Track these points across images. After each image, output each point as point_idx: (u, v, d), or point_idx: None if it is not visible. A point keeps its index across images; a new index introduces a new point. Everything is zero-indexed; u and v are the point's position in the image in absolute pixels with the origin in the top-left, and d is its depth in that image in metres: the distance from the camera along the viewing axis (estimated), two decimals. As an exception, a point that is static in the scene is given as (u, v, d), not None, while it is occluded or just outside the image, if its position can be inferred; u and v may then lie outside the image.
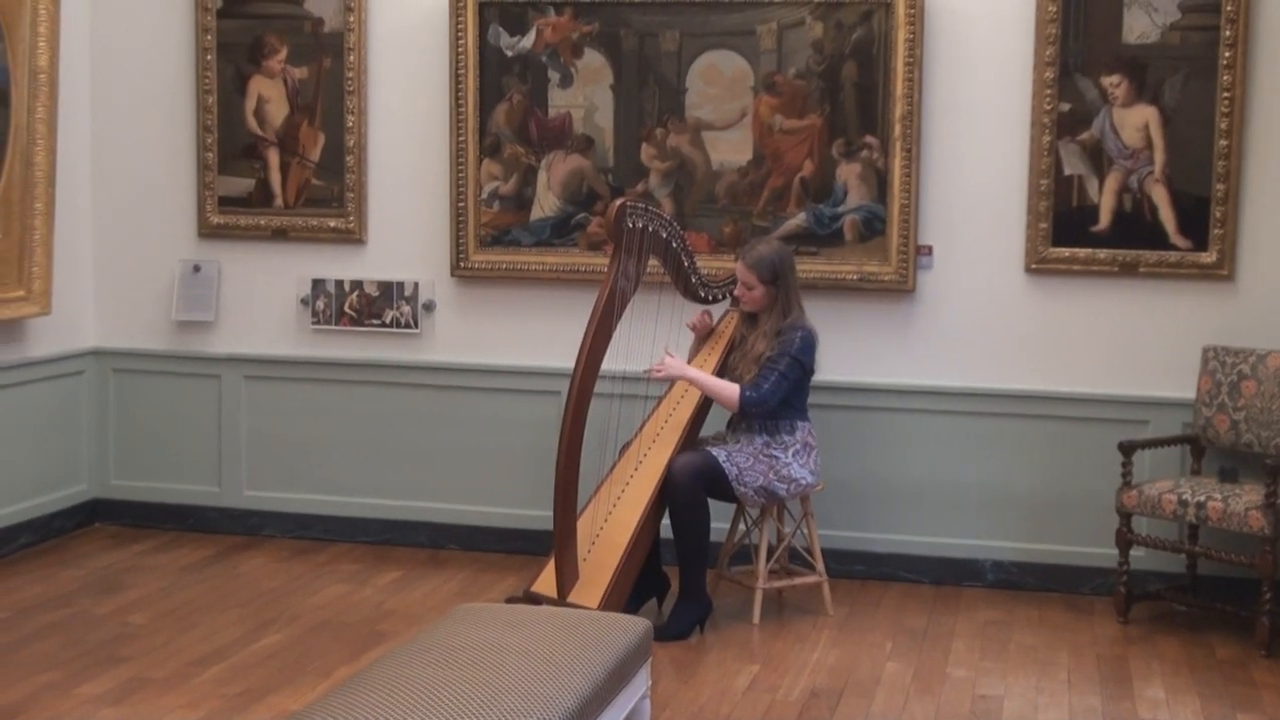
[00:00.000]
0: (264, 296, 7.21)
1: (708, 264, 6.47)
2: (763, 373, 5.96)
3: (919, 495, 6.66)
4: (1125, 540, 6.15)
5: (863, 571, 6.70)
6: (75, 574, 6.60)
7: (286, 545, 7.12)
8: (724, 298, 6.32)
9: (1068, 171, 6.41)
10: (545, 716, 3.48)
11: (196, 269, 7.24)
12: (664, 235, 5.98)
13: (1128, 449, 6.14)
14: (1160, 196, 6.33)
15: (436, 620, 4.22)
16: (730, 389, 5.97)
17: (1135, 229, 6.37)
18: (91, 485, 7.39)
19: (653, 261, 6.01)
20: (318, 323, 7.14)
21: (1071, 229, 6.44)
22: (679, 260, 6.09)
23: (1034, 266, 6.48)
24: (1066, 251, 6.45)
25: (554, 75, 6.82)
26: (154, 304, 7.32)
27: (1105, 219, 6.41)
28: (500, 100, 6.86)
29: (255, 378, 7.24)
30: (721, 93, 6.68)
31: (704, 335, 6.37)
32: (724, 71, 6.66)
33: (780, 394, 5.95)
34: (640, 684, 4.19)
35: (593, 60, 6.77)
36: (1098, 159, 6.38)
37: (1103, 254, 6.42)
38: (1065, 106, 6.38)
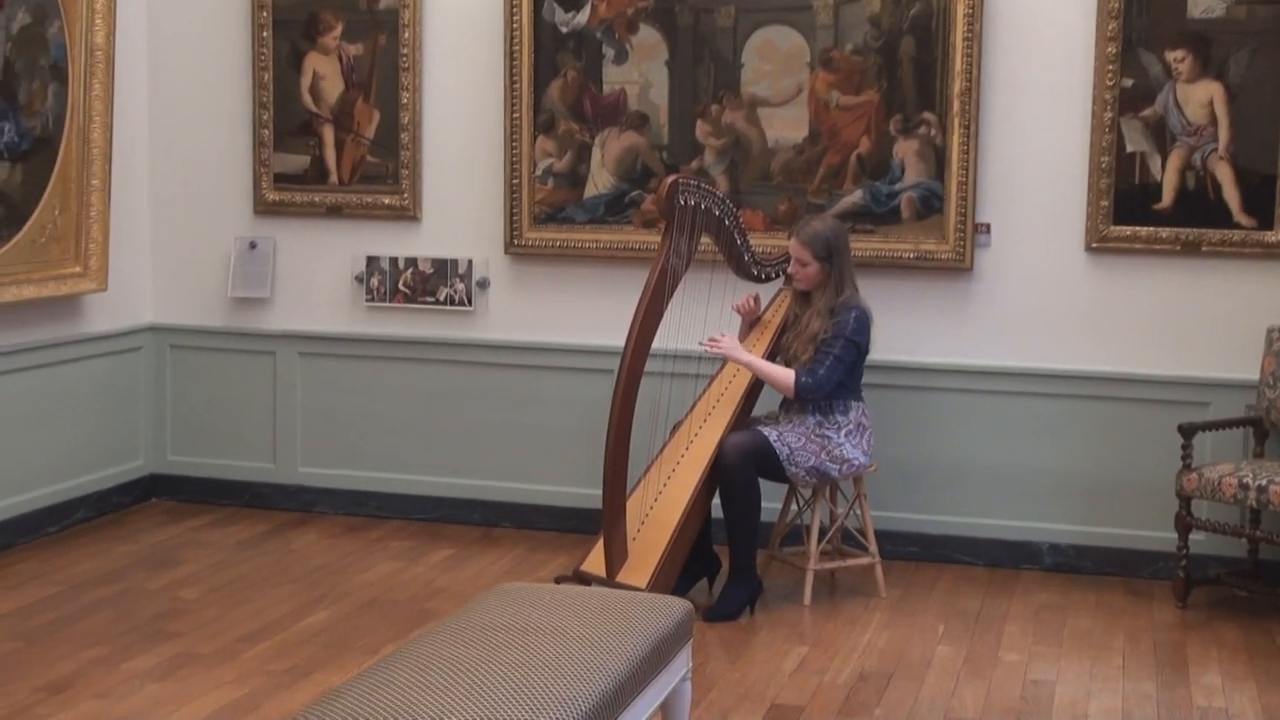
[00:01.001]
0: (319, 273, 7.22)
1: (762, 242, 6.40)
2: (817, 357, 5.89)
3: (975, 476, 6.57)
4: (1185, 524, 6.05)
5: (917, 553, 6.62)
6: (130, 549, 6.64)
7: (339, 522, 7.13)
8: (777, 276, 6.25)
9: (1130, 148, 6.29)
10: (579, 697, 3.44)
11: (252, 246, 7.25)
12: (717, 212, 5.93)
13: (1188, 431, 6.04)
14: (1224, 174, 6.20)
15: (474, 600, 4.19)
16: (786, 375, 5.91)
17: (1198, 207, 6.25)
18: (149, 461, 7.43)
19: (705, 239, 5.96)
20: (372, 300, 7.14)
21: (1133, 207, 6.32)
22: (732, 238, 6.03)
23: (1094, 245, 6.37)
24: (1128, 230, 6.33)
25: (609, 51, 6.77)
26: (210, 281, 7.34)
27: (1168, 197, 6.29)
28: (555, 77, 6.82)
29: (310, 355, 7.25)
30: (777, 69, 6.61)
31: (751, 320, 6.29)
32: (780, 47, 6.58)
33: (836, 378, 5.89)
34: (680, 666, 4.14)
35: (648, 36, 6.71)
36: (1160, 136, 6.26)
37: (1165, 232, 6.30)
38: (1128, 82, 6.26)
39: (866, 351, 6.01)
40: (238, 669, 5.18)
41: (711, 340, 5.90)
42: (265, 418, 7.32)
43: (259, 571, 6.34)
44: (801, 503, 6.25)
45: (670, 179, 5.78)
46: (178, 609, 5.82)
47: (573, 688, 3.47)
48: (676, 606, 4.17)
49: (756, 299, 6.31)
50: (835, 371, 5.86)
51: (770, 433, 5.88)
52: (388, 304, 7.12)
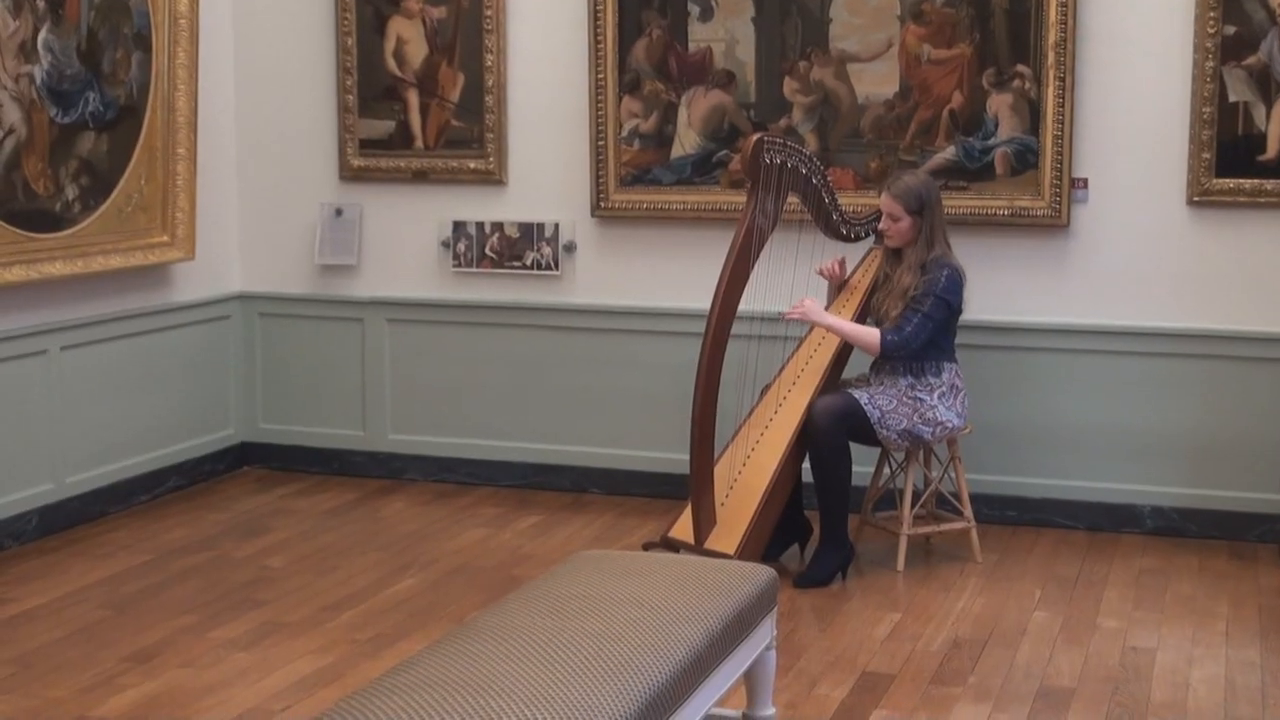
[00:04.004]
0: (405, 239, 7.17)
1: (852, 201, 6.26)
2: (905, 314, 5.76)
3: (1074, 438, 6.41)
4: (1292, 485, 5.88)
5: (1014, 517, 6.48)
6: (220, 517, 6.65)
7: (429, 489, 7.10)
8: (867, 235, 6.12)
9: (1232, 98, 6.08)
10: (655, 667, 3.36)
11: (339, 212, 7.22)
12: (804, 171, 5.80)
13: (1295, 390, 5.86)
14: (1332, 123, 6.00)
15: (552, 569, 4.12)
16: (870, 334, 5.78)
17: (1305, 158, 6.05)
18: (239, 429, 7.44)
19: (792, 198, 5.84)
20: (459, 265, 7.09)
21: (1237, 159, 6.11)
22: (819, 197, 5.90)
23: (1196, 199, 6.18)
24: (1231, 182, 6.13)
25: (694, 9, 6.65)
26: (297, 248, 7.32)
27: (1273, 148, 6.07)
28: (639, 36, 6.71)
29: (397, 321, 7.21)
30: (866, 23, 6.45)
31: (837, 284, 6.16)
32: (869, 1, 6.43)
33: (924, 336, 5.75)
34: (764, 635, 4.05)
35: (733, -8, 6.60)
36: (1265, 85, 6.05)
37: (1270, 184, 6.09)
38: (1230, 30, 6.05)
39: (959, 311, 5.87)
40: (323, 638, 5.15)
41: (792, 309, 5.78)
42: (354, 385, 7.30)
43: (346, 539, 6.32)
44: (894, 466, 6.13)
45: (754, 137, 5.67)
46: (265, 577, 5.81)
47: (649, 658, 3.39)
48: (760, 574, 4.07)
49: (842, 263, 6.17)
50: (923, 329, 5.73)
51: (861, 395, 5.76)
52: (474, 269, 7.07)
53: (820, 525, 5.83)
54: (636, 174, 6.79)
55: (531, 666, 3.28)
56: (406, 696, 3.14)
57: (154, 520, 6.58)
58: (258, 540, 6.30)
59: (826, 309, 5.97)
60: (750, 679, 4.09)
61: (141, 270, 6.72)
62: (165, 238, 6.77)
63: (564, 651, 3.36)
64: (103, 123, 6.39)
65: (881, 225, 5.94)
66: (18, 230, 5.99)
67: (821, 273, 6.14)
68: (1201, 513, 6.31)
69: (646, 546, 5.83)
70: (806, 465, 5.82)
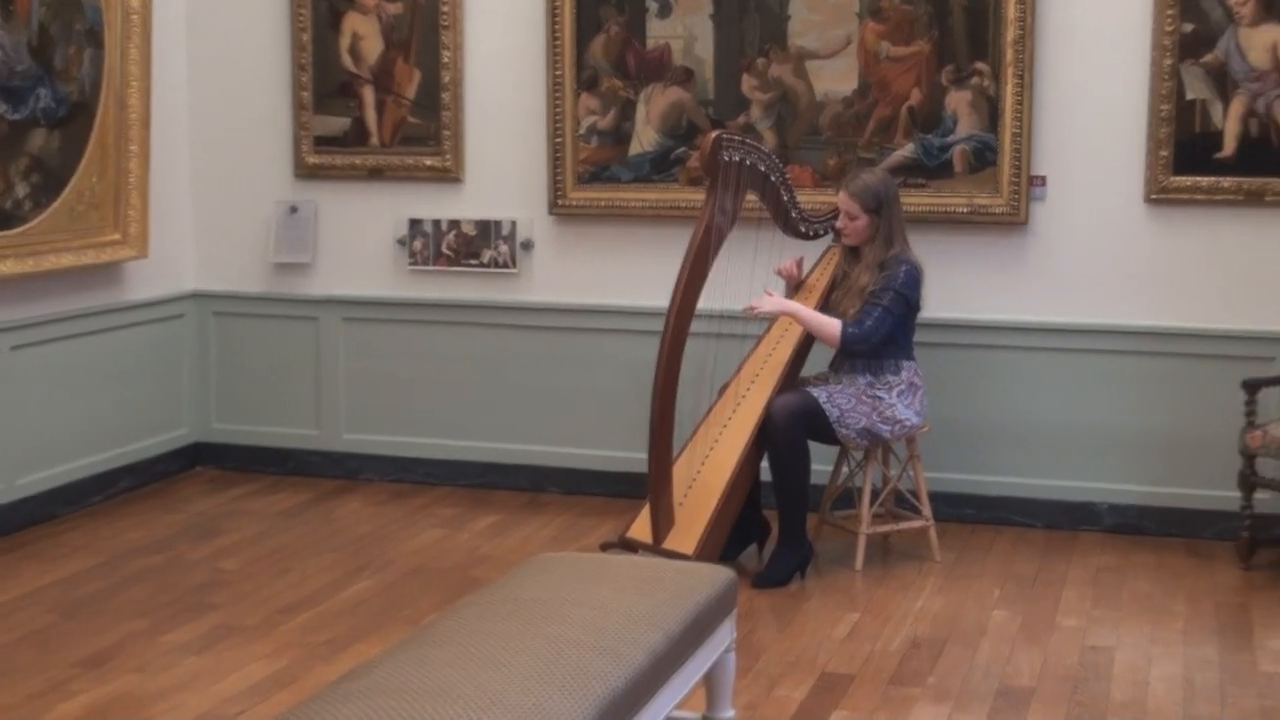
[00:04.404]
0: (361, 237, 7.11)
1: (811, 199, 6.24)
2: (865, 308, 5.74)
3: (1032, 436, 6.40)
4: (1249, 483, 5.87)
5: (973, 515, 6.47)
6: (173, 519, 6.57)
7: (385, 489, 7.04)
8: (825, 233, 6.09)
9: (1190, 96, 6.09)
10: (614, 672, 3.32)
11: (294, 210, 7.15)
12: (762, 168, 5.77)
13: (1252, 387, 5.86)
14: (1289, 121, 6.01)
15: (510, 572, 4.08)
16: (832, 324, 5.75)
17: (1262, 156, 6.03)
18: (193, 429, 7.36)
19: (751, 196, 5.81)
20: (415, 263, 7.03)
21: (1194, 157, 6.12)
22: (778, 194, 5.87)
23: (1154, 196, 6.18)
24: (1189, 180, 6.13)
25: (652, 5, 6.61)
26: (252, 246, 7.25)
27: (1230, 145, 6.08)
28: (597, 32, 6.67)
29: (353, 319, 7.15)
30: (825, 20, 6.43)
31: (795, 284, 6.14)
32: (827, -2, 6.42)
33: (884, 330, 5.73)
34: (723, 638, 4.01)
35: (691, -11, 6.56)
36: (1222, 82, 6.05)
37: (1227, 182, 6.09)
38: (1188, 27, 6.05)
39: (917, 308, 5.85)
40: (277, 641, 5.09)
41: (755, 304, 5.75)
42: (309, 384, 7.23)
43: (301, 541, 6.26)
44: (853, 465, 6.11)
45: (713, 134, 5.64)
46: (219, 580, 5.74)
47: (607, 663, 3.35)
48: (719, 576, 4.04)
49: (800, 263, 6.14)
50: (883, 324, 5.70)
51: (820, 394, 5.73)
52: (431, 267, 7.01)
53: (779, 525, 5.81)
54: (594, 171, 6.75)
55: (488, 672, 3.23)
56: (361, 703, 3.09)
57: (106, 522, 6.50)
58: (211, 542, 6.23)
59: (787, 302, 5.95)
60: (710, 681, 4.06)
61: (94, 269, 6.63)
62: (118, 236, 6.69)
63: (521, 657, 3.32)
64: (54, 119, 6.30)
65: (839, 223, 5.92)
66: (-33, 228, 5.92)
67: (780, 272, 6.11)
68: (1159, 510, 6.31)
69: (604, 547, 5.79)
70: (765, 464, 5.79)
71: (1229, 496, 6.04)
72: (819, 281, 6.07)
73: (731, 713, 4.15)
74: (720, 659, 4.03)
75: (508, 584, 3.88)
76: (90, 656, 4.94)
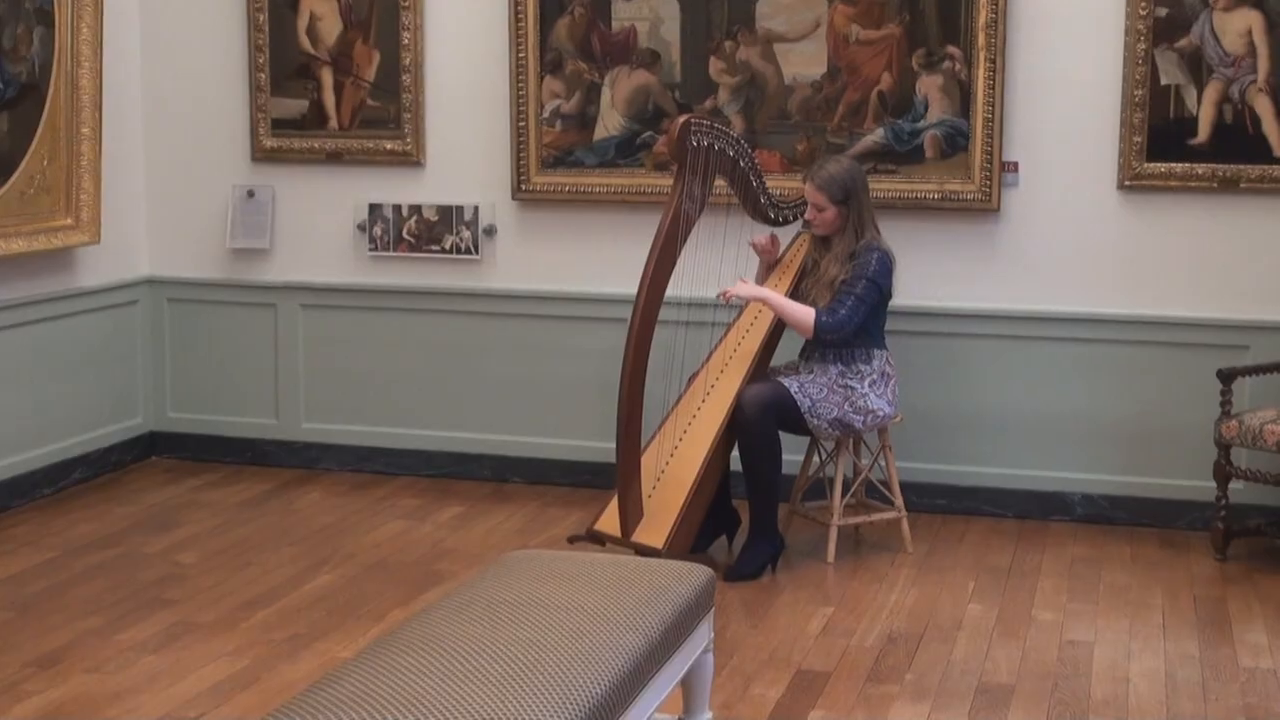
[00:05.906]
0: (319, 222, 6.96)
1: (780, 184, 6.13)
2: (838, 297, 5.64)
3: (1004, 426, 6.33)
4: (1224, 473, 5.81)
5: (945, 506, 6.38)
6: (128, 510, 6.42)
7: (345, 479, 6.90)
8: (795, 219, 5.99)
9: (1164, 81, 6.01)
10: (594, 679, 3.21)
11: (250, 194, 6.99)
12: (731, 154, 5.66)
13: (1227, 376, 5.79)
14: (1263, 107, 5.92)
15: (481, 571, 3.95)
16: (805, 313, 5.65)
17: (1236, 142, 5.96)
18: (148, 418, 7.20)
19: (719, 181, 5.70)
20: (375, 249, 6.88)
21: (1168, 142, 6.04)
22: (747, 180, 5.76)
23: (1127, 183, 6.10)
24: (1162, 166, 6.06)
25: (617, -14, 6.50)
26: (208, 231, 7.09)
27: (1204, 131, 6.01)
28: (561, 14, 6.54)
29: (312, 306, 7.00)
30: (794, 2, 6.32)
31: (771, 261, 6.04)
32: (796, -21, 6.31)
33: (858, 319, 5.63)
34: (702, 637, 3.90)
35: (657, -31, 6.43)
36: (1196, 67, 5.98)
37: (1201, 169, 6.03)
38: (1162, 11, 5.97)
39: (889, 295, 5.76)
40: (237, 639, 4.96)
41: (727, 291, 5.63)
42: (267, 372, 7.08)
43: (261, 533, 6.11)
44: (824, 455, 6.01)
45: (681, 119, 5.52)
46: (176, 575, 5.60)
47: (586, 669, 3.23)
48: (697, 574, 3.93)
49: (774, 239, 6.04)
50: (856, 312, 5.60)
51: (791, 384, 5.63)
52: (391, 253, 6.87)
53: (750, 517, 5.71)
54: (558, 156, 6.62)
55: (463, 680, 3.11)
56: (331, 714, 2.97)
57: (58, 515, 6.34)
58: (168, 535, 6.08)
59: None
60: (688, 683, 3.94)
61: (45, 254, 6.46)
62: (69, 220, 6.52)
63: (497, 663, 3.20)
64: (3, 101, 6.14)
65: (807, 215, 5.81)
66: (-87, 213, 5.75)
67: (755, 245, 5.99)
68: (1131, 500, 6.25)
69: (572, 540, 5.67)
70: (735, 455, 5.68)
71: (1202, 486, 5.98)
72: (794, 261, 5.98)
73: (709, 715, 4.04)
74: (699, 659, 3.92)
75: (478, 584, 3.76)
76: (43, 656, 4.80)
